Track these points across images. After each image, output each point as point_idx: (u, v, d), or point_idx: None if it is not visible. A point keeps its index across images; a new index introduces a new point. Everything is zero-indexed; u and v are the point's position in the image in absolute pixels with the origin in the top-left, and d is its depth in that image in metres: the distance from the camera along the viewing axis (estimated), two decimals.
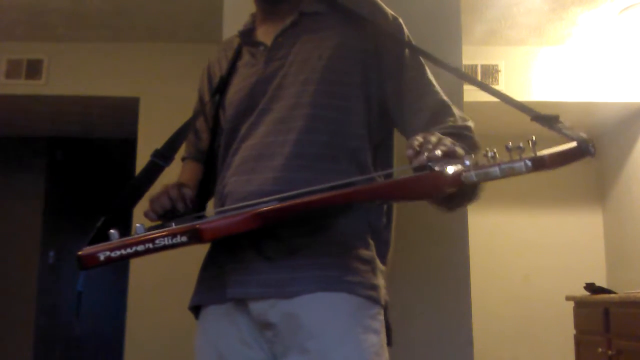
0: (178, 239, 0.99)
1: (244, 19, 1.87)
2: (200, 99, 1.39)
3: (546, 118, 0.93)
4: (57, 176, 5.26)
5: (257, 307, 1.09)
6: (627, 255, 4.21)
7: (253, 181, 1.12)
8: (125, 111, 4.10)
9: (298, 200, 0.96)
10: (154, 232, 1.01)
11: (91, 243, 1.05)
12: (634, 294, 3.20)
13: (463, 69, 2.13)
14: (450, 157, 0.89)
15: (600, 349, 3.33)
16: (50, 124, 4.71)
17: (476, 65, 3.92)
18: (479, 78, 3.90)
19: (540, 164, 0.80)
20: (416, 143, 0.91)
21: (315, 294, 1.06)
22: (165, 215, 1.13)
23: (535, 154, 0.80)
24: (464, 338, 1.70)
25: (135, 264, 3.74)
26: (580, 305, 3.78)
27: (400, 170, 0.95)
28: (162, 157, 1.23)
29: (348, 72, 1.17)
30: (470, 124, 1.15)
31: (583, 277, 3.94)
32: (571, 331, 3.82)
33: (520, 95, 3.90)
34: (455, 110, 1.17)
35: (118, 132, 4.66)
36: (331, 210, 1.04)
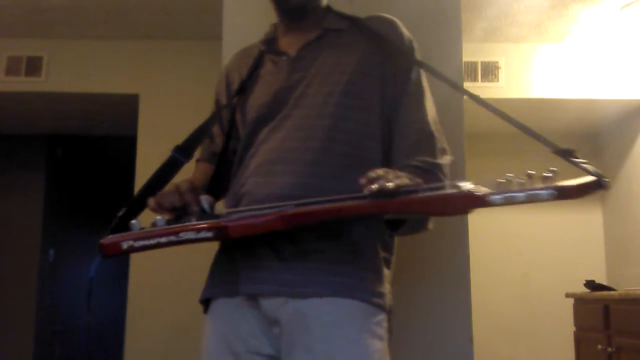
0: (203, 234, 1.01)
1: (244, 17, 1.87)
2: (217, 103, 1.42)
3: (564, 152, 0.99)
4: (57, 173, 5.26)
5: (268, 304, 1.13)
6: (627, 252, 4.22)
7: (271, 184, 1.15)
8: (125, 108, 4.09)
9: (329, 206, 0.99)
10: (179, 225, 1.03)
11: (110, 234, 1.07)
12: (633, 291, 3.20)
13: (463, 67, 2.13)
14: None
15: (600, 346, 3.34)
16: (50, 121, 4.71)
17: (476, 63, 3.91)
18: (479, 75, 3.90)
19: (564, 194, 0.86)
20: (371, 174, 0.97)
21: (326, 298, 1.10)
22: (172, 212, 1.13)
23: (558, 183, 0.86)
24: (464, 335, 1.70)
25: (135, 262, 3.74)
26: (580, 302, 3.79)
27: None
28: (183, 153, 1.27)
29: (368, 87, 1.22)
30: (444, 161, 1.22)
31: (583, 274, 3.95)
32: (571, 328, 3.82)
33: (521, 92, 3.90)
34: (438, 144, 1.23)
35: (118, 129, 4.66)
36: (350, 218, 1.06)
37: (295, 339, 1.10)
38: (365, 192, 0.95)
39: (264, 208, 1.05)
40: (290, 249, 1.12)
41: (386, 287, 1.17)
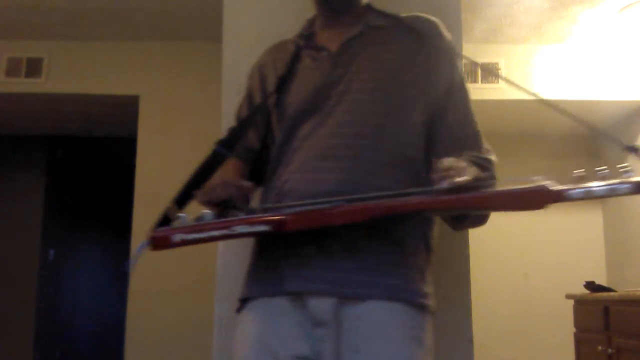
0: (258, 228, 1.01)
1: (244, 18, 1.86)
2: (249, 97, 1.40)
3: (634, 149, 1.01)
4: (57, 174, 5.27)
5: (316, 304, 1.11)
6: (627, 253, 4.22)
7: (318, 180, 1.14)
8: (125, 109, 4.10)
9: (402, 202, 0.99)
10: (233, 219, 1.02)
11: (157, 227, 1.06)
12: (633, 292, 3.21)
13: (463, 68, 2.12)
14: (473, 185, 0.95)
15: (600, 347, 3.34)
16: (50, 122, 4.71)
17: (476, 64, 3.91)
18: (479, 76, 3.90)
19: None
20: (445, 166, 0.98)
21: (377, 301, 1.10)
22: (218, 205, 1.13)
23: (635, 179, 0.88)
24: (464, 336, 1.70)
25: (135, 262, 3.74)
26: (580, 303, 3.79)
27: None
28: (227, 146, 1.26)
29: (412, 85, 1.22)
30: (493, 158, 1.23)
31: (583, 275, 3.94)
32: (571, 329, 3.82)
33: (521, 93, 3.88)
34: (484, 143, 1.25)
35: (118, 130, 4.66)
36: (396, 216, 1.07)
37: (344, 340, 1.09)
38: (439, 187, 0.95)
39: (309, 204, 1.04)
40: (337, 247, 1.11)
41: (431, 288, 1.17)
